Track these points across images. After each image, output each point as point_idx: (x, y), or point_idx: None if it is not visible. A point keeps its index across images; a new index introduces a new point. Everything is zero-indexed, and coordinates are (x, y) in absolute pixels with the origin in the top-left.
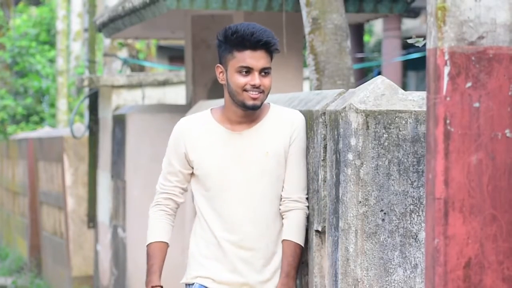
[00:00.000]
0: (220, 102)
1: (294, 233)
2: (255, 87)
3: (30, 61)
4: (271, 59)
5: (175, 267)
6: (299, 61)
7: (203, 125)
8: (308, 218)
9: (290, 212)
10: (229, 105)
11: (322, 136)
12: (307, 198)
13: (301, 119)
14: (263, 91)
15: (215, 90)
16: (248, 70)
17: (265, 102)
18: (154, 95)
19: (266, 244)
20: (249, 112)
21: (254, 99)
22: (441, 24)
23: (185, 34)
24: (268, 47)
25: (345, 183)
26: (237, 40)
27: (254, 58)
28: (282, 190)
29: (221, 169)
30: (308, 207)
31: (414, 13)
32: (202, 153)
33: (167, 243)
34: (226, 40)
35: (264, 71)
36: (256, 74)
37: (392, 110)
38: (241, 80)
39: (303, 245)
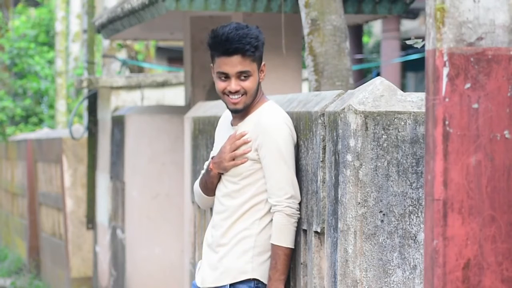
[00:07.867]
0: (218, 103)
1: (273, 235)
2: (232, 92)
3: (29, 62)
4: (254, 59)
5: (175, 267)
6: (298, 62)
7: (224, 119)
8: (307, 219)
9: (273, 216)
10: None
11: (321, 137)
12: (291, 196)
13: (267, 125)
14: (245, 93)
15: (214, 91)
16: (226, 76)
17: (266, 98)
18: (153, 96)
19: (221, 234)
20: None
21: (235, 103)
22: (440, 25)
23: (184, 35)
24: (242, 52)
25: (344, 184)
26: (214, 45)
27: (229, 64)
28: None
29: None
30: (290, 207)
31: (413, 14)
32: (215, 148)
33: None
34: (208, 43)
35: (243, 75)
36: (233, 79)
37: (391, 111)
38: (221, 85)
39: (284, 245)
